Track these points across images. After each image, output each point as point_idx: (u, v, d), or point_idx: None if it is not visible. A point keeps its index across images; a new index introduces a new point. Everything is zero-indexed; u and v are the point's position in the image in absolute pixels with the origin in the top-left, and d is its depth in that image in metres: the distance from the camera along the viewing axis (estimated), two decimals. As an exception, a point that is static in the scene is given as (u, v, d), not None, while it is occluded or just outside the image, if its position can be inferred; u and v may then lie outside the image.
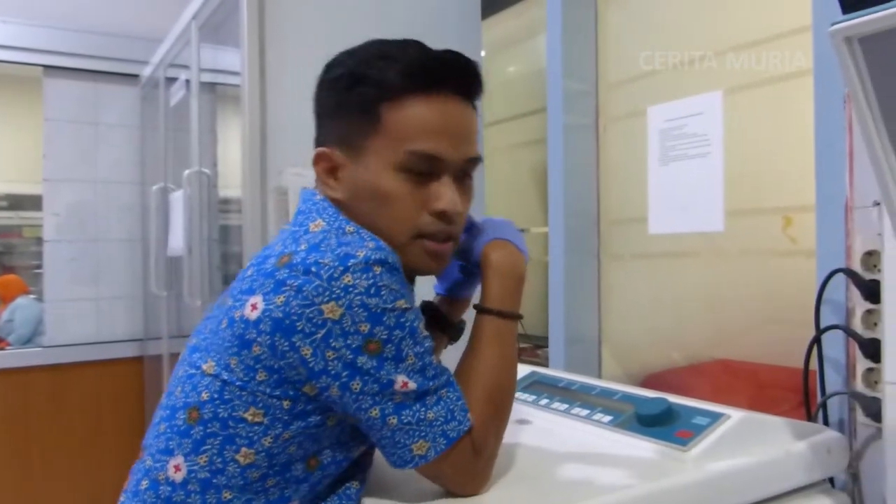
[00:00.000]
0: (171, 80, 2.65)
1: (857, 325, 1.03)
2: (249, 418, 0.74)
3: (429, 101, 0.79)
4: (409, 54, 0.81)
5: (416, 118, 0.79)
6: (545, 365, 1.62)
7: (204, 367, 0.77)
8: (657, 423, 0.95)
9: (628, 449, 0.92)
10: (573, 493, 0.80)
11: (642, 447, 0.92)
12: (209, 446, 0.75)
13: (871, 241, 1.01)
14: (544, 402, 1.13)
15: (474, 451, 0.78)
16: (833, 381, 1.07)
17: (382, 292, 0.72)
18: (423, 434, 0.75)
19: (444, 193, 0.80)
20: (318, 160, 0.85)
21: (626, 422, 0.98)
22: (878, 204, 1.00)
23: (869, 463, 1.02)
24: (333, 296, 0.71)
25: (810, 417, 1.07)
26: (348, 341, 0.72)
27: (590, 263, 1.73)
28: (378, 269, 0.73)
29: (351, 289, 0.71)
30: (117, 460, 2.80)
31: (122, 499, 0.82)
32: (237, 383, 0.75)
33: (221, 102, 2.54)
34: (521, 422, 1.07)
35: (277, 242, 0.80)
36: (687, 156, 1.46)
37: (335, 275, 0.72)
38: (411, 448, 0.75)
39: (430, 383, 0.76)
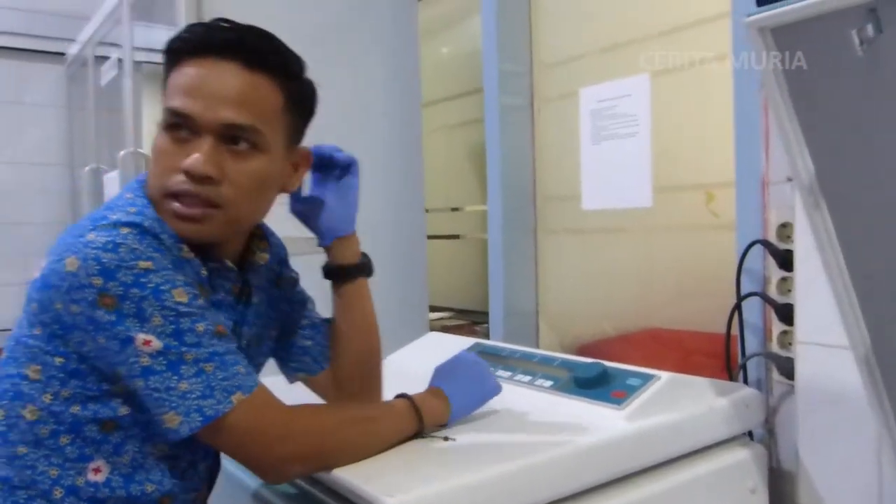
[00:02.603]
0: (100, 59, 2.57)
1: (773, 292, 1.13)
2: (31, 375, 0.77)
3: (193, 64, 0.80)
4: (193, 28, 0.83)
5: (177, 78, 0.81)
6: (484, 338, 1.68)
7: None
8: (594, 385, 1.02)
9: (568, 409, 0.99)
10: (521, 449, 0.85)
11: (581, 408, 0.98)
12: (5, 402, 0.78)
13: (785, 213, 1.10)
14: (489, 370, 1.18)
15: (255, 435, 0.77)
16: (752, 344, 1.16)
17: (120, 250, 0.73)
18: (173, 405, 0.73)
19: (192, 152, 0.79)
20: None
21: (565, 385, 1.05)
22: (791, 180, 1.09)
23: (783, 417, 1.12)
24: (73, 250, 0.74)
25: (731, 377, 1.16)
26: (84, 293, 0.73)
27: (527, 239, 1.79)
28: (125, 231, 0.74)
29: (90, 244, 0.74)
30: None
31: None
32: (22, 339, 0.79)
33: (151, 82, 2.49)
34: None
35: None
36: (617, 135, 1.54)
37: (83, 233, 0.75)
38: (163, 419, 0.74)
39: (185, 349, 0.74)
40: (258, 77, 0.81)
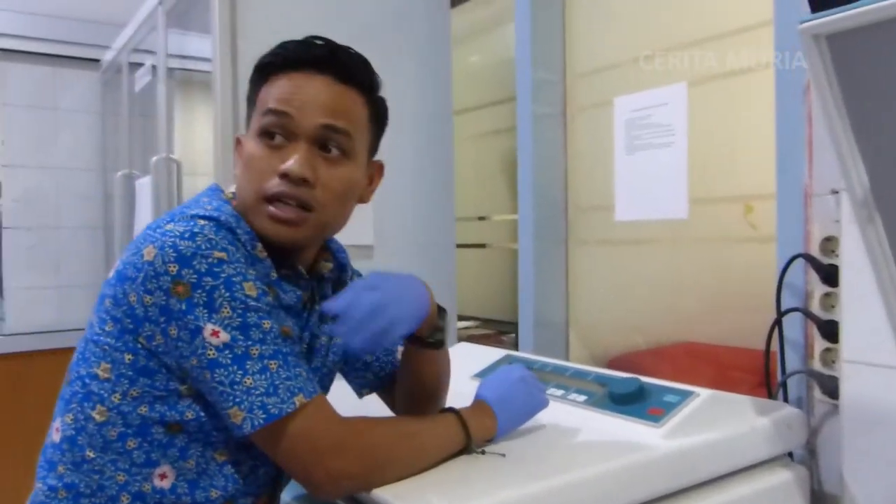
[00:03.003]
0: (134, 66, 2.60)
1: (816, 308, 1.09)
2: (101, 374, 0.77)
3: (286, 77, 0.84)
4: (286, 45, 0.86)
5: (270, 90, 0.85)
6: (507, 348, 1.66)
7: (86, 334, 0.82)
8: (630, 401, 0.99)
9: (604, 426, 0.96)
10: (556, 467, 0.83)
11: (617, 424, 0.96)
12: (74, 405, 0.79)
13: (829, 227, 1.07)
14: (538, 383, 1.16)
15: (309, 444, 0.75)
16: (792, 361, 1.12)
17: (197, 239, 0.75)
18: (237, 400, 0.73)
19: (290, 156, 0.82)
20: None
21: (600, 400, 1.03)
22: (837, 192, 1.05)
23: (826, 438, 1.08)
24: (151, 239, 0.76)
25: (771, 395, 1.13)
26: (160, 282, 0.74)
27: (558, 250, 1.77)
28: (202, 222, 0.76)
29: (167, 233, 0.75)
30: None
31: None
32: (93, 338, 0.79)
33: (184, 89, 2.51)
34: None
35: None
36: (652, 145, 1.51)
37: (160, 224, 0.78)
38: (228, 413, 0.74)
39: (251, 344, 0.74)
40: (348, 90, 0.86)
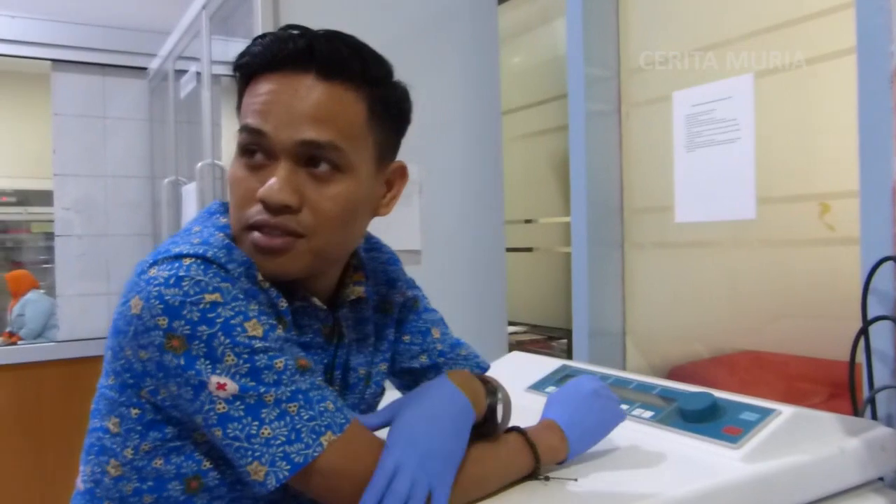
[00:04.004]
0: (179, 73, 2.61)
1: (907, 316, 1.00)
2: (111, 428, 0.71)
3: (264, 80, 0.73)
4: (261, 41, 0.74)
5: (248, 98, 0.74)
6: (557, 357, 1.58)
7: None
8: (702, 418, 0.91)
9: (675, 446, 0.88)
10: (625, 491, 0.76)
11: (689, 444, 0.88)
12: (91, 457, 0.73)
13: (922, 227, 0.97)
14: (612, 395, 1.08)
15: (349, 480, 0.66)
16: (881, 374, 1.03)
17: (183, 283, 0.65)
18: (256, 454, 0.64)
19: (268, 179, 0.71)
20: None
21: (669, 417, 0.95)
22: (931, 188, 0.96)
23: (920, 459, 0.98)
24: (137, 288, 0.67)
25: (857, 412, 1.03)
26: (151, 337, 0.66)
27: (613, 253, 1.69)
28: (187, 261, 0.67)
29: (151, 280, 0.66)
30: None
31: None
32: (101, 390, 0.73)
33: (228, 94, 2.50)
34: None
35: None
36: (714, 142, 1.42)
37: (144, 269, 0.68)
38: (247, 471, 0.65)
39: (264, 390, 0.65)
40: (335, 87, 0.72)
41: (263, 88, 0.72)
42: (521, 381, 1.21)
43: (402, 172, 0.82)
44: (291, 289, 0.75)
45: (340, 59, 0.72)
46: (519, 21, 2.39)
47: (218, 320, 0.65)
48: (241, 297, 0.68)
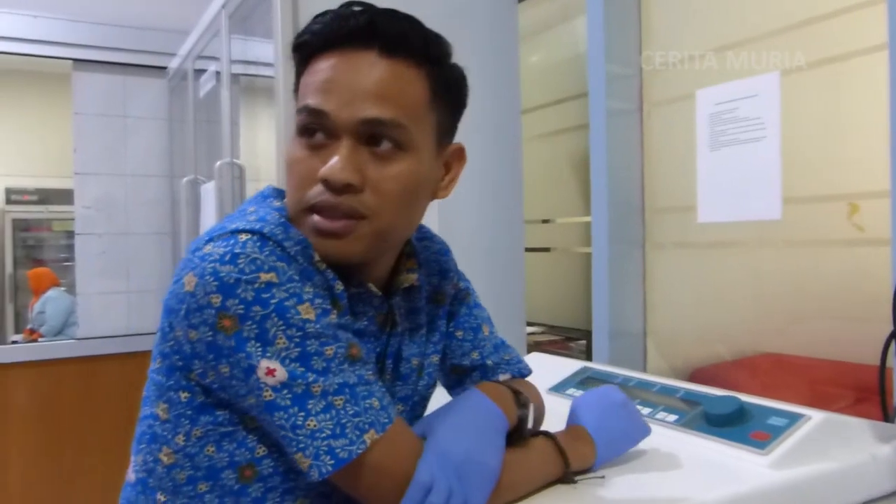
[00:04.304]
0: (199, 72, 2.62)
1: (940, 319, 0.97)
2: (161, 414, 0.70)
3: (324, 58, 0.71)
4: (321, 19, 0.72)
5: (308, 77, 0.72)
6: (576, 358, 1.56)
7: None
8: (728, 423, 0.89)
9: (702, 451, 0.86)
10: (655, 495, 0.75)
11: (716, 449, 0.86)
12: (143, 445, 0.72)
13: (956, 228, 0.95)
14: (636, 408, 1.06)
15: (390, 480, 0.65)
16: (913, 379, 1.00)
17: (239, 260, 0.64)
18: (301, 446, 0.63)
19: (329, 158, 0.69)
20: None
21: (694, 421, 0.93)
22: (966, 188, 0.93)
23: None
24: (191, 265, 0.66)
25: (887, 418, 1.01)
26: (204, 316, 0.64)
27: (634, 254, 1.67)
28: (243, 237, 0.65)
29: (206, 257, 0.65)
30: (149, 453, 2.80)
31: None
32: (150, 375, 0.72)
33: (247, 94, 2.51)
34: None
35: None
36: (739, 140, 1.40)
37: (199, 246, 0.67)
38: (295, 458, 0.64)
39: (312, 380, 0.64)
40: (399, 64, 0.70)
41: (323, 66, 0.71)
42: (542, 382, 1.19)
43: (461, 154, 0.81)
44: (346, 274, 0.73)
45: (403, 35, 0.71)
46: (539, 19, 2.37)
47: (272, 301, 0.64)
48: (297, 278, 0.66)
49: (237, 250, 0.64)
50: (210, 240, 0.67)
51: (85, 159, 2.92)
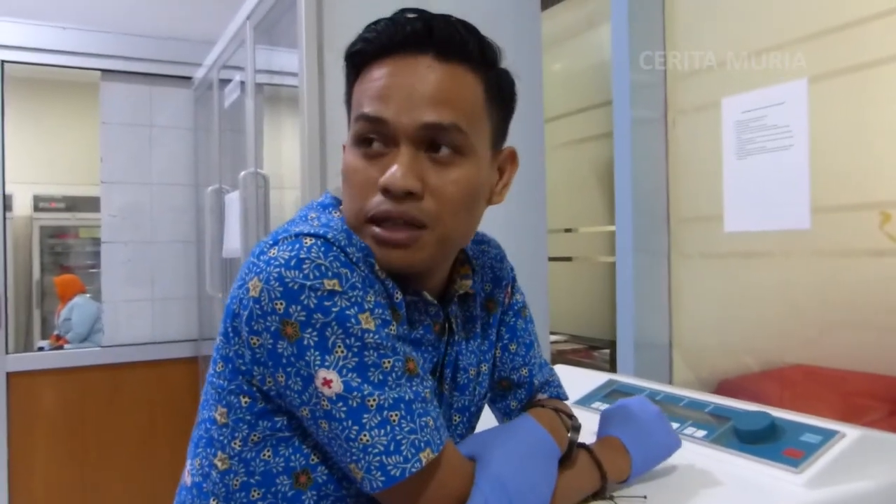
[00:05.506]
0: (224, 82, 2.64)
1: (977, 332, 0.95)
2: (219, 419, 0.69)
3: (379, 65, 0.70)
4: (374, 27, 0.72)
5: (363, 84, 0.71)
6: (600, 368, 1.55)
7: None
8: (760, 439, 0.87)
9: (734, 469, 0.85)
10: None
11: (746, 467, 0.84)
12: (200, 449, 0.72)
13: None
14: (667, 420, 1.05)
15: (443, 501, 0.65)
16: (950, 394, 0.98)
17: (304, 266, 0.63)
18: (354, 458, 0.63)
19: (388, 166, 0.68)
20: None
21: (724, 437, 0.91)
22: None
23: None
24: (256, 269, 0.66)
25: (923, 433, 0.98)
26: (267, 322, 0.64)
27: (659, 263, 1.65)
28: (308, 241, 0.65)
29: (272, 261, 0.65)
30: (172, 459, 2.82)
31: None
32: (209, 379, 0.71)
33: (271, 104, 2.52)
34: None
35: None
36: (766, 149, 1.38)
37: (264, 249, 0.67)
38: (350, 468, 0.64)
39: (368, 393, 0.63)
40: (455, 68, 0.70)
41: (379, 73, 0.70)
42: (571, 394, 1.18)
43: (514, 158, 0.80)
44: (402, 283, 0.73)
45: (459, 39, 0.71)
46: (563, 27, 2.36)
47: (334, 309, 0.63)
48: (359, 285, 0.66)
49: (302, 255, 0.64)
50: (275, 243, 0.67)
51: (111, 168, 2.95)
